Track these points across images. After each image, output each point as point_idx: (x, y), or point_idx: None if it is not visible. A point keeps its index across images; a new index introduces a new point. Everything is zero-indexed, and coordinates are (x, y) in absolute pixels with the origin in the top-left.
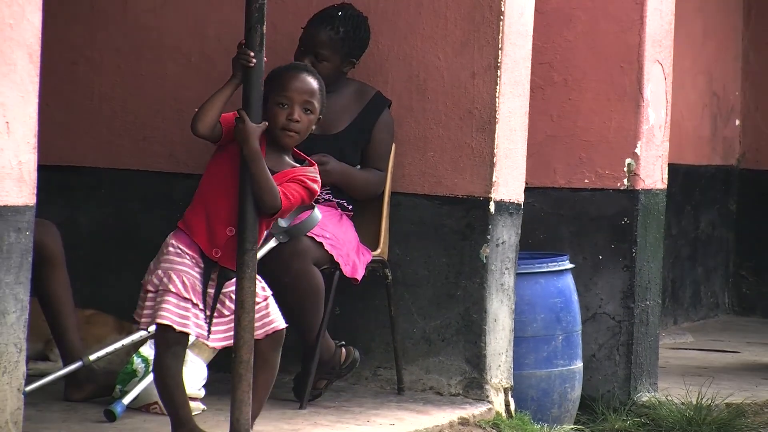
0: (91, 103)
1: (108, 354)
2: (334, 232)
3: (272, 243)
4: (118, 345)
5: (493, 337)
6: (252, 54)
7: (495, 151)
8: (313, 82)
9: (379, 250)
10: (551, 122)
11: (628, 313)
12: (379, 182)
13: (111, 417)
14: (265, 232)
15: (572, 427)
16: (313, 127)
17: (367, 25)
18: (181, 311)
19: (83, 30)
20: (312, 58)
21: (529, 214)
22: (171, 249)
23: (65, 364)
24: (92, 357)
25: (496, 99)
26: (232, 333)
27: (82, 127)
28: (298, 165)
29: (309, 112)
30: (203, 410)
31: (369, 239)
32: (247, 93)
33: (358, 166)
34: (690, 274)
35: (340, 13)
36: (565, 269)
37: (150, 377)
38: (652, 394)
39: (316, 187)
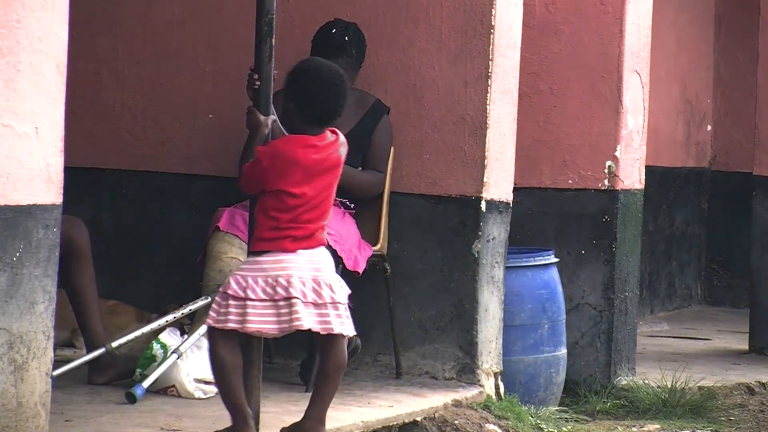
0: (114, 110)
1: (129, 341)
2: (338, 229)
3: None
4: (138, 333)
5: (484, 326)
6: (256, 77)
7: (486, 154)
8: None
9: (379, 245)
10: (538, 127)
11: (608, 303)
12: (379, 183)
13: (132, 399)
14: None
15: (557, 408)
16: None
17: (362, 32)
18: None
19: (107, 43)
20: None
21: (517, 212)
22: None
23: (89, 351)
24: (114, 344)
25: (487, 106)
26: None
27: (106, 132)
28: None
29: None
30: (217, 393)
31: (370, 235)
32: (256, 104)
33: (360, 168)
34: (665, 267)
35: (347, 38)
36: (551, 263)
37: (168, 362)
38: (631, 378)
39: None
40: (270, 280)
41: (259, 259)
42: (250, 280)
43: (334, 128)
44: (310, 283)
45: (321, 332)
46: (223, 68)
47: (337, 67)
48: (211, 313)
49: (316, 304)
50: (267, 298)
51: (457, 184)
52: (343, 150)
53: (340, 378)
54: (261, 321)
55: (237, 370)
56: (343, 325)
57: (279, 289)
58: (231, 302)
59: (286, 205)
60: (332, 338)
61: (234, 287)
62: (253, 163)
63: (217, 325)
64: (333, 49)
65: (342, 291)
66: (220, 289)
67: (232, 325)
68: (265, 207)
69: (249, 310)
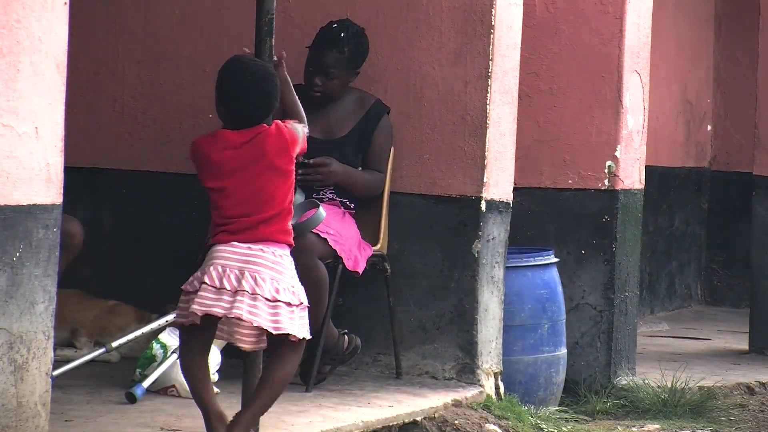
0: (114, 110)
1: (129, 341)
2: (338, 229)
3: None
4: (138, 333)
5: (484, 326)
6: None
7: (486, 154)
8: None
9: (379, 245)
10: (538, 127)
11: (608, 303)
12: (379, 183)
13: (132, 399)
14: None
15: (557, 408)
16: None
17: (366, 38)
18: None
19: (107, 42)
20: (323, 77)
21: (517, 212)
22: None
23: None
24: (114, 344)
25: (487, 106)
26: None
27: (106, 131)
28: None
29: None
30: (217, 393)
31: (370, 235)
32: None
33: (360, 168)
34: (665, 267)
35: (343, 35)
36: (551, 263)
37: (168, 362)
38: (631, 378)
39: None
40: (200, 273)
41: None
42: (196, 275)
43: (276, 122)
44: (232, 273)
45: (238, 319)
46: None
47: (262, 64)
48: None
49: (235, 292)
50: (207, 285)
51: (457, 184)
52: (275, 140)
53: (280, 392)
54: (200, 303)
55: (200, 373)
56: (289, 324)
57: (205, 278)
58: (182, 297)
59: (214, 202)
60: (282, 345)
61: (185, 286)
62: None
63: (180, 320)
64: (326, 42)
65: (288, 292)
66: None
67: (186, 320)
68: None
69: (192, 297)
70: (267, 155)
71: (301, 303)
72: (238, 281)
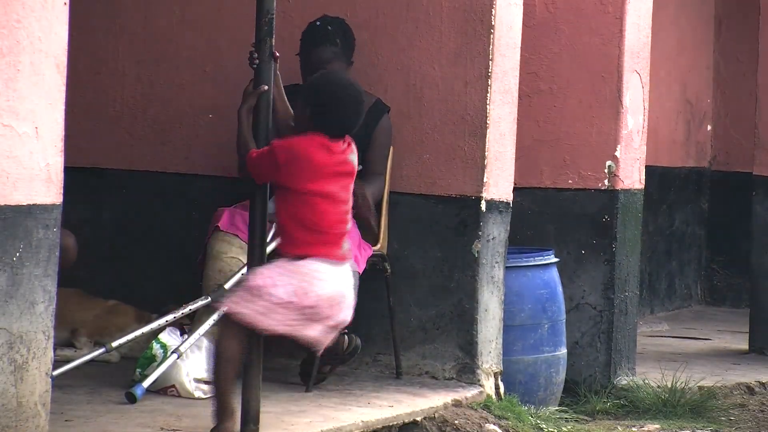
0: (114, 110)
1: (129, 341)
2: None
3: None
4: (138, 333)
5: (484, 326)
6: (256, 56)
7: (486, 154)
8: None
9: (378, 245)
10: (538, 127)
11: (608, 303)
12: (381, 188)
13: (132, 399)
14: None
15: (557, 408)
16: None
17: (349, 27)
18: None
19: (107, 42)
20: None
21: (517, 212)
22: None
23: None
24: (114, 344)
25: (487, 106)
26: None
27: (106, 131)
28: None
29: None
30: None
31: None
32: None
33: (360, 167)
34: (665, 267)
35: (330, 28)
36: (551, 263)
37: (168, 362)
38: (631, 378)
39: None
40: (302, 287)
41: (298, 263)
42: (283, 281)
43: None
44: (336, 302)
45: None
46: (223, 68)
47: (358, 84)
48: (232, 299)
49: (323, 318)
50: (292, 302)
51: (457, 184)
52: (354, 157)
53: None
54: (279, 322)
55: (236, 364)
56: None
57: (306, 298)
58: (256, 299)
59: (312, 206)
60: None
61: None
62: (266, 154)
63: (235, 315)
64: (318, 39)
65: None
66: (248, 282)
67: (249, 319)
68: (294, 210)
69: (271, 308)
70: (353, 170)
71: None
72: (329, 315)
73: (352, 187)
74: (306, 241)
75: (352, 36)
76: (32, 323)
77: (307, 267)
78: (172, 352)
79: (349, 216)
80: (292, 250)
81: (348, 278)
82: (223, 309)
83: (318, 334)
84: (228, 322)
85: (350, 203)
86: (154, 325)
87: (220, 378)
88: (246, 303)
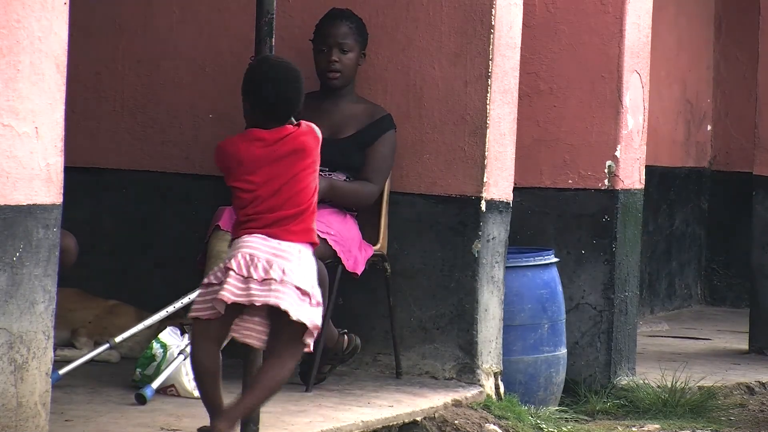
0: (114, 110)
1: (132, 335)
2: (339, 230)
3: None
4: (140, 326)
5: (484, 326)
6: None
7: (486, 154)
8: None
9: (379, 245)
10: (538, 127)
11: (608, 303)
12: (370, 195)
13: (142, 400)
14: None
15: (557, 408)
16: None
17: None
18: None
19: (107, 42)
20: (338, 52)
21: (517, 212)
22: None
23: None
24: (118, 339)
25: (487, 106)
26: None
27: (106, 131)
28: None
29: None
30: None
31: (370, 235)
32: None
33: (352, 179)
34: (665, 267)
35: (346, 11)
36: (551, 263)
37: (175, 363)
38: (631, 378)
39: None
40: (224, 264)
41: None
42: (219, 266)
43: (304, 121)
44: (260, 263)
45: (256, 303)
46: (223, 68)
47: (289, 63)
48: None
49: (262, 280)
50: (235, 273)
51: (457, 183)
52: (310, 138)
53: (271, 395)
54: (230, 291)
55: (212, 371)
56: (298, 310)
57: (232, 265)
58: (202, 290)
59: (240, 200)
60: (283, 347)
61: (208, 278)
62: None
63: (200, 313)
64: (335, 17)
65: (309, 287)
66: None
67: (207, 312)
68: (233, 203)
69: (215, 289)
70: (306, 151)
71: (319, 302)
72: (266, 271)
73: (311, 161)
74: (242, 224)
75: (365, 28)
76: (32, 323)
77: (237, 242)
78: (180, 353)
79: (307, 195)
80: (234, 233)
81: (288, 251)
82: (190, 316)
83: (272, 296)
84: (194, 329)
85: (308, 181)
86: (156, 317)
87: (197, 382)
88: (197, 304)
